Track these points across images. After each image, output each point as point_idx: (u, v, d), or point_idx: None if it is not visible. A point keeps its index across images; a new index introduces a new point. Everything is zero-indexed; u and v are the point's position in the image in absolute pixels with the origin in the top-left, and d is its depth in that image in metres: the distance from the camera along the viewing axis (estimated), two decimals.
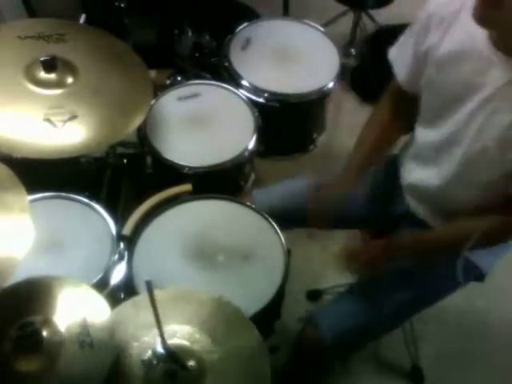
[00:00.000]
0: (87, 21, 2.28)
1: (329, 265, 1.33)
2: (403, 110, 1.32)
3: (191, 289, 1.13)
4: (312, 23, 1.90)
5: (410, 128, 1.35)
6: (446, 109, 1.16)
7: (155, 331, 0.93)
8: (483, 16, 0.95)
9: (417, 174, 1.31)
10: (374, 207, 1.44)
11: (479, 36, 1.03)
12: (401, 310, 1.33)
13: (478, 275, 1.35)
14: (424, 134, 1.27)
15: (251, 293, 1.22)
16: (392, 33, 1.31)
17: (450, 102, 1.14)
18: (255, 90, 1.68)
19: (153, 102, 1.59)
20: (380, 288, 1.31)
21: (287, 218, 1.39)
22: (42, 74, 1.34)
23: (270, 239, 1.32)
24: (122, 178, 1.75)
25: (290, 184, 1.50)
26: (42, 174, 1.36)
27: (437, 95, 1.18)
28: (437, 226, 1.30)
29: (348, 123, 1.43)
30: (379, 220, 1.47)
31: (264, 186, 1.56)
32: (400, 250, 1.26)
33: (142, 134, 1.54)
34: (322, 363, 1.42)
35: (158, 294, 0.89)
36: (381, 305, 1.29)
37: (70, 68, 1.37)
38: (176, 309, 1.05)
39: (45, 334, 0.93)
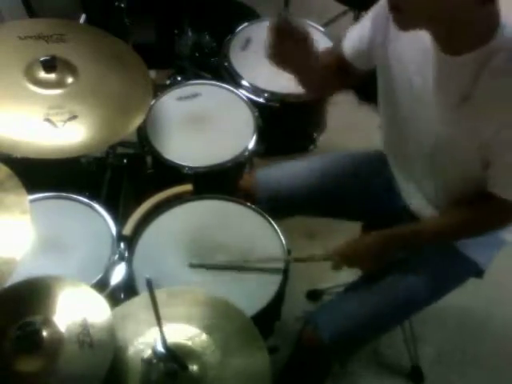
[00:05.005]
0: (87, 21, 2.28)
1: (329, 265, 1.34)
2: (344, 73, 1.31)
3: (191, 288, 1.13)
4: (312, 23, 1.89)
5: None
6: (395, 102, 1.18)
7: (155, 330, 0.93)
8: (397, 20, 0.97)
9: (412, 194, 1.33)
10: (372, 201, 1.44)
11: (425, 35, 1.03)
12: (399, 309, 1.33)
13: (477, 271, 1.35)
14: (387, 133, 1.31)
15: (251, 293, 1.22)
16: None
17: (397, 93, 1.16)
18: (255, 90, 1.69)
19: (153, 102, 1.59)
20: (378, 287, 1.30)
21: (291, 200, 1.39)
22: (42, 74, 1.34)
23: (269, 239, 1.32)
24: (122, 178, 1.75)
25: (292, 165, 1.49)
26: (42, 174, 1.37)
27: (386, 84, 1.20)
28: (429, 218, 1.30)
29: (348, 123, 1.42)
30: (378, 214, 1.47)
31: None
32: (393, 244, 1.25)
33: (142, 133, 1.55)
34: (321, 363, 1.41)
35: (157, 293, 0.89)
36: (379, 305, 1.28)
37: (69, 68, 1.37)
38: (176, 308, 1.05)
39: (45, 334, 0.93)
